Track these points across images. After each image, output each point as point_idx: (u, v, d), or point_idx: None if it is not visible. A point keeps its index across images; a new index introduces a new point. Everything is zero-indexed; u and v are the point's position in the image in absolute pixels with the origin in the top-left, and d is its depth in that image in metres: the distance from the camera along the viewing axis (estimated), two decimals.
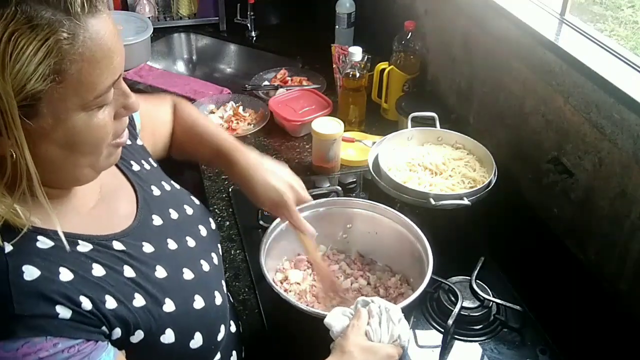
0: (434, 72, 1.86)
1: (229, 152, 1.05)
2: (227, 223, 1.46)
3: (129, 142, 0.94)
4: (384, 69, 1.78)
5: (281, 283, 1.18)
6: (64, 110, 0.66)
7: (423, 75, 1.87)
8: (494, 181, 1.34)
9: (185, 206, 0.98)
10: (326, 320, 0.92)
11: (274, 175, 1.04)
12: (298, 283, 1.18)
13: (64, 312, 0.67)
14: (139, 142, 0.99)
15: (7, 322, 0.64)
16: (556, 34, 1.27)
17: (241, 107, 1.88)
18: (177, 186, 1.02)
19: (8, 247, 0.67)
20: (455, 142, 1.49)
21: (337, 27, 2.10)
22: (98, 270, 0.74)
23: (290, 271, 1.20)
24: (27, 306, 0.65)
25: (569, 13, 1.33)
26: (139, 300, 0.77)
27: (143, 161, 0.97)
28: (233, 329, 1.01)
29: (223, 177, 1.62)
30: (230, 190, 1.56)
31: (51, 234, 0.72)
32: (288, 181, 1.05)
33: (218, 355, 0.92)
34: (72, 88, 0.65)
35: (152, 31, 2.15)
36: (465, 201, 1.26)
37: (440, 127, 1.52)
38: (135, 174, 0.92)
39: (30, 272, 0.67)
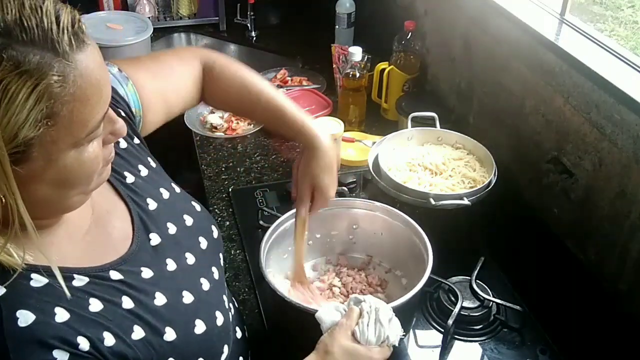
0: (434, 72, 1.86)
1: (308, 140, 1.05)
2: (227, 223, 1.46)
3: (124, 146, 0.90)
4: (384, 69, 1.78)
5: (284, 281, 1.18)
6: (55, 152, 0.63)
7: (423, 75, 1.87)
8: (494, 181, 1.34)
9: (185, 216, 0.94)
10: (317, 315, 0.91)
11: (328, 171, 1.06)
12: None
13: (61, 356, 0.65)
14: (135, 140, 0.94)
15: None
16: (556, 34, 1.27)
17: None
18: (177, 189, 0.97)
19: (1, 290, 0.65)
20: (455, 142, 1.49)
21: (337, 27, 2.10)
22: (95, 305, 0.72)
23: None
24: (24, 355, 0.63)
25: (569, 13, 1.33)
26: (138, 333, 0.74)
27: (140, 166, 0.92)
28: (239, 334, 0.99)
29: (223, 177, 1.62)
30: (230, 190, 1.56)
31: (44, 271, 0.69)
32: (335, 177, 1.07)
33: None
34: (64, 129, 0.62)
35: (152, 31, 2.15)
36: (465, 201, 1.26)
37: (440, 127, 1.52)
38: (128, 188, 0.88)
39: (25, 318, 0.64)
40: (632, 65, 1.14)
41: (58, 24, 0.60)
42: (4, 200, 0.61)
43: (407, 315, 1.10)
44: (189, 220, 0.94)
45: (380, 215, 1.21)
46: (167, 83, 1.02)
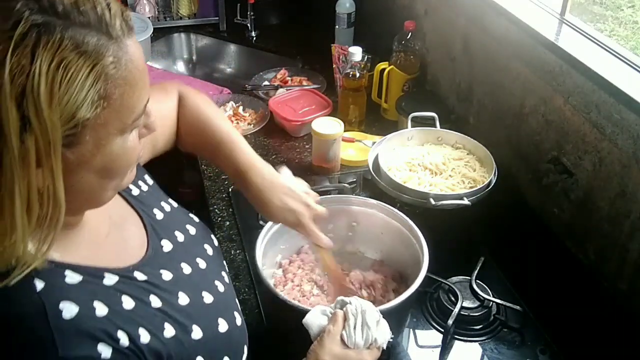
0: (434, 72, 1.86)
1: (243, 172, 1.00)
2: (227, 223, 1.46)
3: None
4: (384, 69, 1.78)
5: (282, 283, 1.18)
6: (105, 136, 0.65)
7: (423, 75, 1.87)
8: (494, 181, 1.34)
9: (188, 226, 0.96)
10: (304, 321, 0.90)
11: (290, 195, 1.01)
12: (298, 285, 1.18)
13: (105, 352, 0.66)
14: None
15: None
16: (556, 34, 1.27)
17: (241, 107, 1.88)
18: (175, 204, 1.00)
19: (39, 285, 0.65)
20: (455, 142, 1.49)
21: (337, 27, 2.10)
22: (128, 303, 0.73)
23: (289, 266, 1.20)
24: (71, 347, 0.63)
25: (569, 13, 1.33)
26: (169, 331, 0.76)
27: (140, 182, 0.94)
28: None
29: (223, 177, 1.62)
30: (230, 190, 1.56)
31: (76, 268, 0.70)
32: (304, 200, 1.02)
33: None
34: (114, 112, 0.64)
35: (152, 31, 2.15)
36: (465, 201, 1.26)
37: (440, 127, 1.52)
38: (136, 199, 0.90)
39: (69, 310, 0.65)
40: (632, 65, 1.14)
41: (109, 10, 0.63)
42: (48, 188, 0.61)
43: (401, 317, 1.09)
44: (192, 230, 0.96)
45: (379, 214, 1.20)
46: (156, 109, 1.02)
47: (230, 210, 1.50)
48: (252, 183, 1.00)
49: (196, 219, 1.01)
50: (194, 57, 2.46)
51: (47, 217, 0.63)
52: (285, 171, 1.06)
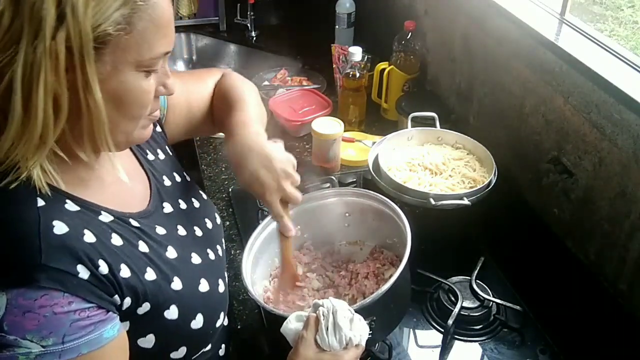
0: (434, 72, 1.86)
1: (233, 128, 0.98)
2: (227, 223, 1.46)
3: None
4: (384, 69, 1.78)
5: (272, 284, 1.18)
6: (122, 62, 0.71)
7: (423, 75, 1.87)
8: (494, 181, 1.34)
9: (193, 199, 1.02)
10: (281, 330, 0.88)
11: (266, 167, 0.94)
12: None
13: (83, 272, 0.71)
14: (158, 129, 1.01)
15: (33, 270, 0.67)
16: (556, 34, 1.27)
17: None
18: (188, 178, 1.05)
19: (40, 202, 0.71)
20: (455, 142, 1.49)
21: (337, 27, 2.10)
22: (116, 240, 0.78)
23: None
24: (53, 258, 0.68)
25: (569, 13, 1.33)
26: (150, 274, 0.81)
27: (159, 150, 1.00)
28: (225, 322, 1.02)
29: (223, 177, 1.62)
30: (230, 190, 1.56)
31: (77, 200, 0.76)
32: (278, 178, 0.95)
33: (209, 346, 0.94)
34: (134, 42, 0.70)
35: None
36: (465, 201, 1.26)
37: (440, 127, 1.52)
38: (149, 163, 0.96)
39: (60, 227, 0.71)
40: (632, 65, 1.14)
41: None
42: (82, 97, 0.68)
43: (397, 303, 1.04)
44: (196, 203, 1.02)
45: (363, 200, 1.18)
46: (193, 87, 1.09)
47: (230, 210, 1.50)
48: (235, 139, 0.96)
49: (204, 196, 1.06)
50: (194, 57, 2.46)
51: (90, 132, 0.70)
52: (279, 144, 1.00)
